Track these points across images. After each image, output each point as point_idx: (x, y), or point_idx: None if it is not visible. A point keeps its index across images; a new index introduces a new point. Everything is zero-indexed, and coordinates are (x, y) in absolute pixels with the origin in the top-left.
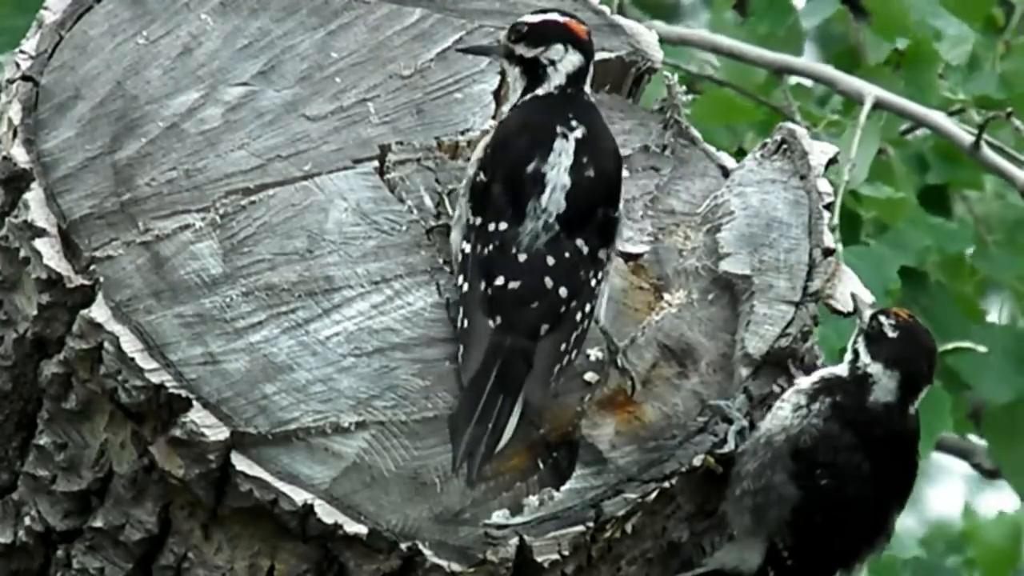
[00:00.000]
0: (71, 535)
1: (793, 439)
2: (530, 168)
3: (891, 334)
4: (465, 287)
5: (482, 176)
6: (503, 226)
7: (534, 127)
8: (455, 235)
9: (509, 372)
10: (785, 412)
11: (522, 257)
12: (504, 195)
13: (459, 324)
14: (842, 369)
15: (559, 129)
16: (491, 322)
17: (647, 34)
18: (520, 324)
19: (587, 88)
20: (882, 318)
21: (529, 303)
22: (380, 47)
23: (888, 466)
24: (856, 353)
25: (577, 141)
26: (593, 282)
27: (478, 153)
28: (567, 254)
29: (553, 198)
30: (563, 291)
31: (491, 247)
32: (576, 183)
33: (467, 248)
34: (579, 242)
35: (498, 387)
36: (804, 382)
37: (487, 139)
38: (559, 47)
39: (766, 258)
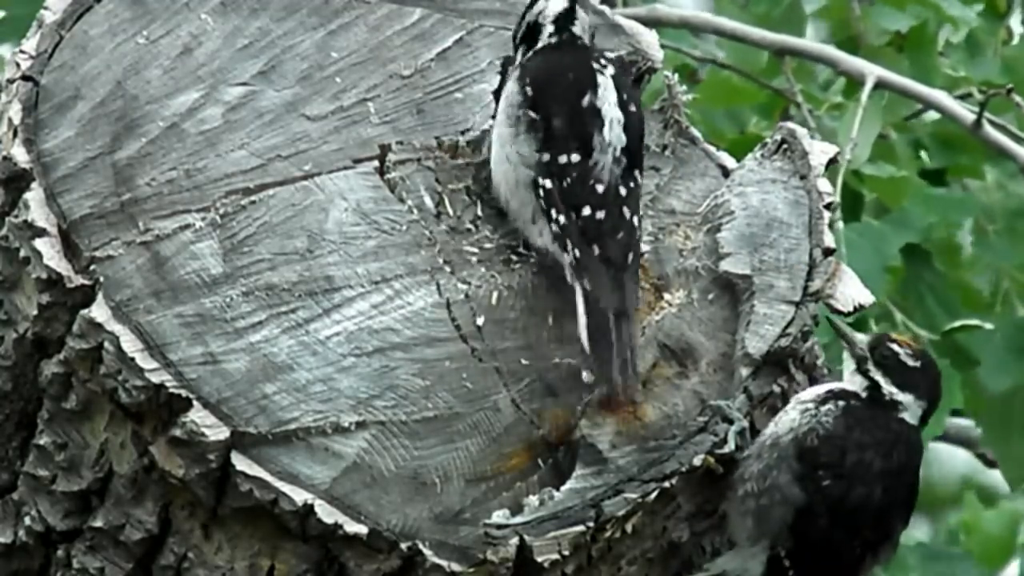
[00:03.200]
0: (71, 535)
1: (800, 439)
2: (585, 102)
3: (911, 363)
4: (562, 219)
5: (533, 114)
6: (575, 158)
7: (571, 65)
8: (515, 176)
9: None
10: (792, 416)
11: (600, 187)
12: (567, 130)
13: (572, 255)
14: (853, 386)
15: (594, 66)
16: (591, 251)
17: (647, 34)
18: (615, 255)
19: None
20: (895, 348)
21: (616, 232)
22: (380, 47)
23: (895, 471)
24: (874, 382)
25: (612, 77)
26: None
27: (515, 97)
28: (632, 184)
29: (614, 132)
30: (635, 221)
31: (568, 179)
32: (627, 117)
33: (548, 184)
34: (636, 174)
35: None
36: (807, 394)
37: (512, 83)
38: (541, 2)
39: (766, 258)
